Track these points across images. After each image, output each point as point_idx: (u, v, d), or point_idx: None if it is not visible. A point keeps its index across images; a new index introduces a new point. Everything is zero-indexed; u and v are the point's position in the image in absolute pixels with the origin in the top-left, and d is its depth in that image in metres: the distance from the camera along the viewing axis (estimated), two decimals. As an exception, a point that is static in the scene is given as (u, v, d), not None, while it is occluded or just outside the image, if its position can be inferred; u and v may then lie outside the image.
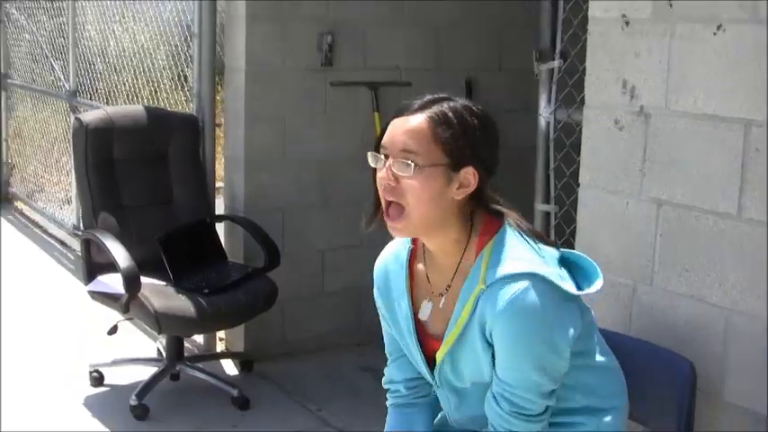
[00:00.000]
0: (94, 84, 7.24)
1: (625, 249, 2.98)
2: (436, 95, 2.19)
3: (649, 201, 2.90)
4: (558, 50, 3.60)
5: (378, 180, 2.17)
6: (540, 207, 3.73)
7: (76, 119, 4.79)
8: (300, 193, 5.10)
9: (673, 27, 2.80)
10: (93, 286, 4.55)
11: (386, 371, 2.55)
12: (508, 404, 2.13)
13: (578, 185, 3.19)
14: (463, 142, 2.12)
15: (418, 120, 2.12)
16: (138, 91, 6.82)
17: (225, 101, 5.17)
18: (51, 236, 7.89)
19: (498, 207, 2.23)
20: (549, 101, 3.64)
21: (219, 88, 5.34)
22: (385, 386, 2.56)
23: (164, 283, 4.47)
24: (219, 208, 5.26)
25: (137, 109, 5.06)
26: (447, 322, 2.21)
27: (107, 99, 7.03)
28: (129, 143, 4.77)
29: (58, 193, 8.44)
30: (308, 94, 5.06)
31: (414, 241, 2.36)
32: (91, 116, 4.76)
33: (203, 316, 4.31)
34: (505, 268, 2.10)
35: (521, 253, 2.14)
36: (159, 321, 4.22)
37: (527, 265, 2.10)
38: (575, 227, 3.23)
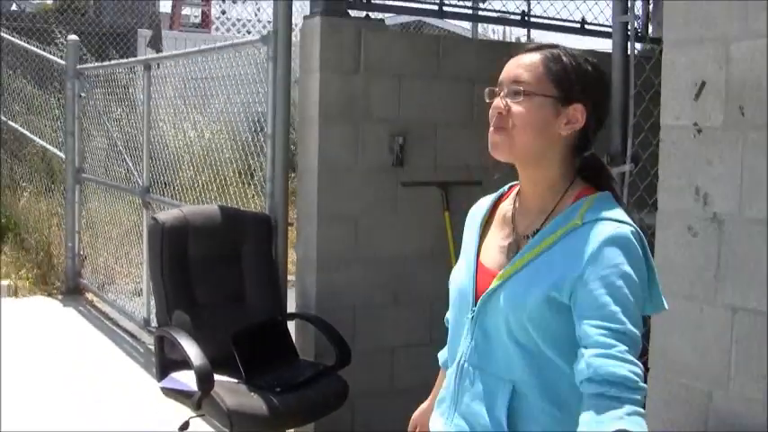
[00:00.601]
0: (167, 179, 7.38)
1: (700, 355, 2.98)
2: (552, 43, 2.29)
3: (724, 307, 2.91)
4: (628, 154, 3.64)
5: (490, 110, 2.22)
6: (612, 309, 3.71)
7: (153, 218, 4.90)
8: (371, 292, 5.15)
9: (745, 135, 2.84)
10: (167, 383, 4.60)
11: None
12: (622, 345, 1.97)
13: (651, 288, 3.20)
14: (575, 78, 2.18)
15: (532, 56, 2.21)
16: (206, 186, 6.96)
17: (297, 200, 5.25)
18: (122, 328, 7.97)
19: (606, 175, 2.26)
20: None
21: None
22: None
23: (236, 380, 4.51)
24: (291, 301, 5.32)
25: (211, 208, 5.16)
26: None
27: (180, 195, 7.16)
28: (203, 242, 4.86)
29: (128, 285, 8.56)
30: (379, 193, 5.14)
31: (509, 189, 2.39)
32: (167, 215, 4.88)
33: (275, 414, 4.34)
34: (608, 213, 2.11)
35: (624, 216, 2.14)
36: (231, 419, 4.25)
37: (630, 222, 2.11)
38: (647, 329, 3.23)
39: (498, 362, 2.17)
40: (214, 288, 4.87)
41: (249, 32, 16.20)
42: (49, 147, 10.27)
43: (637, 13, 3.83)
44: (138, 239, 8.04)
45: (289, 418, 4.53)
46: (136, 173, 7.82)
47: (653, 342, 3.14)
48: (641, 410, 1.93)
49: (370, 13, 5.41)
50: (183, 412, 4.64)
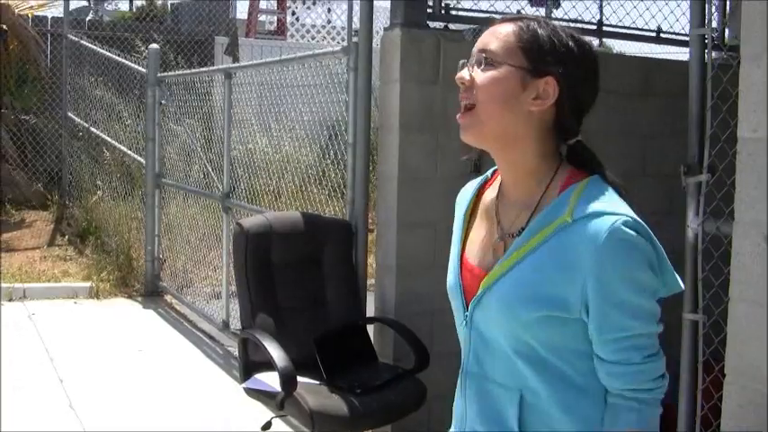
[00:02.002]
0: (246, 185, 7.54)
1: (776, 362, 3.04)
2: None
3: (800, 315, 2.96)
4: (705, 165, 3.68)
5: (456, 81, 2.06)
6: (688, 316, 3.75)
7: (237, 224, 5.04)
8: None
9: (821, 147, 2.90)
10: (250, 384, 4.72)
11: None
12: (639, 352, 1.94)
13: (727, 296, 3.26)
14: (548, 49, 1.99)
15: (507, 26, 2.03)
16: (283, 191, 7.11)
17: (377, 207, 5.36)
18: (200, 330, 8.13)
19: (592, 158, 2.06)
20: (696, 213, 3.71)
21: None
22: None
23: (317, 382, 4.62)
24: (370, 305, 5.43)
25: (293, 215, 5.30)
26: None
27: (259, 200, 7.31)
28: (286, 247, 4.99)
29: (206, 288, 8.73)
30: (457, 200, 5.20)
31: (493, 174, 2.20)
32: (251, 222, 5.01)
33: (355, 415, 4.45)
34: (600, 206, 1.92)
35: (619, 202, 1.96)
36: (314, 419, 4.36)
37: (626, 210, 1.93)
38: (723, 336, 3.28)
39: (502, 370, 2.05)
40: (296, 292, 4.99)
41: (324, 38, 16.35)
42: (129, 152, 10.49)
43: (713, 25, 3.85)
44: (217, 243, 8.20)
45: (368, 419, 4.63)
46: (216, 178, 7.98)
47: (729, 347, 3.19)
48: (656, 406, 1.97)
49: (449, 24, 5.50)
50: (265, 412, 4.77)
